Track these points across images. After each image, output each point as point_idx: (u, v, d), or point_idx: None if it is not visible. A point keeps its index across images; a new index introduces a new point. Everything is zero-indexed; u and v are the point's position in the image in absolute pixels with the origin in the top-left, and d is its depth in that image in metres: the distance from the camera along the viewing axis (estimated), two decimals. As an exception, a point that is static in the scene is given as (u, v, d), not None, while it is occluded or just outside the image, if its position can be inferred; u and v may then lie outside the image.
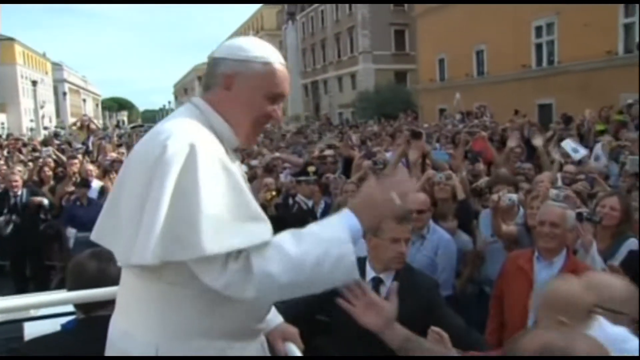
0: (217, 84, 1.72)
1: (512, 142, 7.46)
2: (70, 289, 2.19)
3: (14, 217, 7.75)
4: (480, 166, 6.07)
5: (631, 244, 4.00)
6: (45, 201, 7.88)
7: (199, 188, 1.48)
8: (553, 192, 4.77)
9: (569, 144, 7.34)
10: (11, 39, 62.57)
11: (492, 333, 3.76)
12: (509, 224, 4.52)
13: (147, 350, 1.62)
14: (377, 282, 3.01)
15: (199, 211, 1.47)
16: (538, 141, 7.17)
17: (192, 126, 1.63)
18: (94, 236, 1.74)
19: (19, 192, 7.82)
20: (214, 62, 1.74)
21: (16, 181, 7.84)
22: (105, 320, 2.09)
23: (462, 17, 27.72)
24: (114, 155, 10.10)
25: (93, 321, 2.13)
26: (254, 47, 1.72)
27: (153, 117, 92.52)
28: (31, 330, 2.79)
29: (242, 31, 75.75)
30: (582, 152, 7.34)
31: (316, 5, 49.09)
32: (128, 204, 1.58)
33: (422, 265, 4.44)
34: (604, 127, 11.23)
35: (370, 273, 3.02)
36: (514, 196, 4.38)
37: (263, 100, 1.72)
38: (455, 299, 4.57)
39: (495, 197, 4.24)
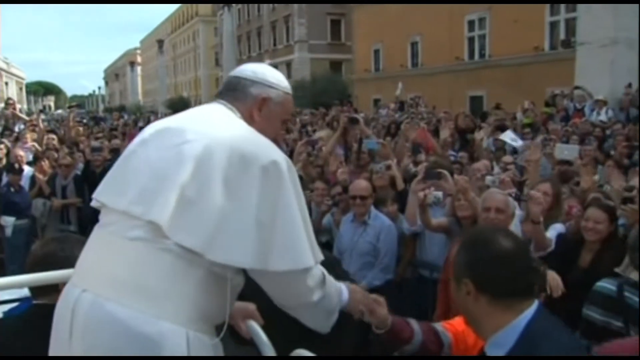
0: (250, 102, 1.92)
1: (446, 132, 7.70)
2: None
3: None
4: (422, 156, 6.23)
5: (558, 227, 4.22)
6: None
7: (297, 202, 1.70)
8: (489, 178, 4.97)
9: (508, 135, 7.64)
10: None
11: (440, 317, 3.88)
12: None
13: (178, 338, 1.56)
14: None
15: (300, 225, 1.68)
16: (480, 135, 7.52)
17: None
18: (156, 216, 1.58)
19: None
20: (245, 82, 1.93)
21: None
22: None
23: (398, 8, 28.12)
24: (32, 145, 9.62)
25: (44, 306, 2.08)
26: (279, 77, 2.00)
27: (82, 103, 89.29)
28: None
29: (177, 16, 74.13)
30: (520, 142, 7.65)
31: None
32: (221, 202, 1.60)
33: (364, 251, 4.56)
34: (531, 121, 11.75)
35: None
36: (440, 193, 4.52)
37: (280, 124, 2.02)
38: (395, 283, 4.72)
39: (421, 194, 4.30)
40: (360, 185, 4.72)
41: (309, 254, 1.69)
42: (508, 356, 1.60)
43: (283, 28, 44.54)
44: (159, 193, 1.61)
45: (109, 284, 1.58)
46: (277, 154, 1.71)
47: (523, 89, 18.11)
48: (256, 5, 48.79)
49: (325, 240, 5.36)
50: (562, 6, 20.72)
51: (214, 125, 1.76)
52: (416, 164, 6.04)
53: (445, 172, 4.45)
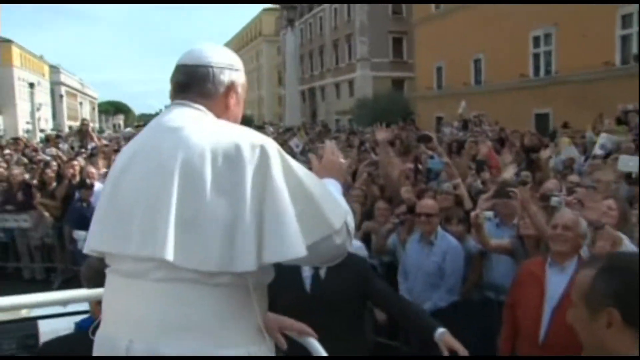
0: (219, 92, 1.79)
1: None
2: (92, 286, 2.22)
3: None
4: (487, 175, 6.11)
5: (628, 245, 4.02)
6: None
7: (287, 182, 1.59)
8: (554, 199, 4.84)
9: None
10: (9, 41, 62.04)
11: (506, 340, 3.78)
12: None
13: None
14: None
15: (288, 211, 1.57)
16: (546, 153, 7.33)
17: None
18: (162, 254, 1.50)
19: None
20: (214, 71, 1.78)
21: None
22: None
23: (461, 25, 27.87)
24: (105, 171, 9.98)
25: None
26: (237, 58, 1.88)
27: (149, 122, 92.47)
28: (45, 328, 2.83)
29: (241, 36, 75.91)
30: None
31: (315, 11, 49.31)
32: (221, 212, 1.52)
33: (430, 271, 4.51)
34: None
35: None
36: (490, 213, 4.48)
37: (242, 108, 1.90)
38: (460, 305, 4.61)
39: (473, 215, 4.27)
40: (427, 203, 4.71)
41: (299, 242, 1.56)
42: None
43: (345, 46, 44.86)
44: (157, 227, 1.53)
45: (156, 330, 1.55)
46: (256, 138, 1.61)
47: (592, 106, 17.51)
48: (319, 24, 49.39)
49: (389, 261, 5.32)
50: (635, 18, 20.00)
51: (184, 133, 1.62)
52: (483, 183, 5.94)
53: (516, 190, 4.39)
